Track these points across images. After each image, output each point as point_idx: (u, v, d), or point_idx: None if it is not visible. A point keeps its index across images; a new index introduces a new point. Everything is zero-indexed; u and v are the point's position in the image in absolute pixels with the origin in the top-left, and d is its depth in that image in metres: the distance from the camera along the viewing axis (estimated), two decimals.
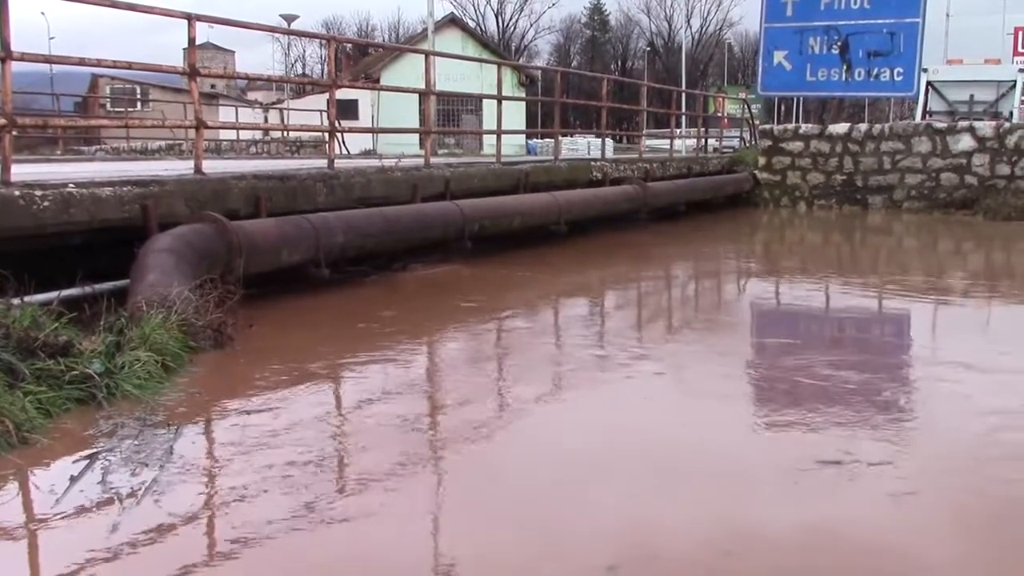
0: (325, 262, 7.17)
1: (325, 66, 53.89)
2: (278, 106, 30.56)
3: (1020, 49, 33.34)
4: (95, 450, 3.56)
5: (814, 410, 4.27)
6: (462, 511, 3.14)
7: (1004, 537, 2.96)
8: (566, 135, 23.82)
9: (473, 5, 66.14)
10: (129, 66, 7.23)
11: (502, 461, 3.71)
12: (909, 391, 4.91)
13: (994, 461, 3.65)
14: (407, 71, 26.56)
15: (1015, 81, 19.34)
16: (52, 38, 42.53)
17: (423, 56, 11.18)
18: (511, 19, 68.53)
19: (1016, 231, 13.16)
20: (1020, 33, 34.20)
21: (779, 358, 5.64)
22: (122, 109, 33.28)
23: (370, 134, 19.64)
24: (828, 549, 2.85)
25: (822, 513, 3.10)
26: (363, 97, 27.85)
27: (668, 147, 18.36)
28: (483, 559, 2.77)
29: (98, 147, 23.23)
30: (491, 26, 67.01)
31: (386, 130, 16.53)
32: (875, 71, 18.72)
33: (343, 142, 15.59)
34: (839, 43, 18.77)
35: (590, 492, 3.26)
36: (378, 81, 27.27)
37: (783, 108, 34.47)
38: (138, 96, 36.90)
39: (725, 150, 22.00)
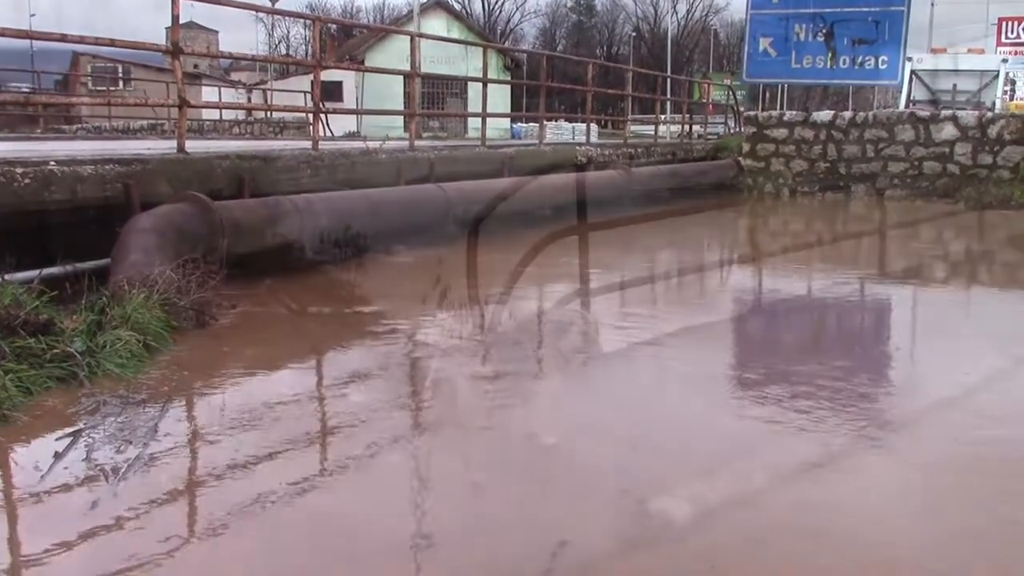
0: (309, 244, 7.16)
1: (309, 47, 53.67)
2: (261, 87, 30.36)
3: (1003, 39, 33.50)
4: (78, 428, 3.56)
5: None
6: (433, 488, 3.18)
7: None
8: (551, 119, 23.80)
9: None
10: (111, 44, 7.17)
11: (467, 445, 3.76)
12: None
13: None
14: (392, 54, 26.41)
15: (998, 71, 19.46)
16: (33, 15, 42.02)
17: (408, 38, 11.13)
18: (497, 2, 68.25)
19: (996, 219, 13.27)
20: (1003, 23, 34.36)
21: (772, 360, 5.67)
22: (104, 88, 32.92)
23: (354, 116, 19.56)
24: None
25: None
26: (347, 79, 27.67)
27: (653, 133, 18.39)
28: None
29: (79, 126, 23.01)
30: (477, 9, 66.73)
31: (371, 112, 16.46)
32: (860, 59, 18.80)
33: (327, 124, 15.53)
34: (824, 30, 18.82)
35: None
36: (363, 63, 27.12)
37: (768, 95, 34.49)
38: (120, 75, 36.53)
39: (710, 136, 22.01)
